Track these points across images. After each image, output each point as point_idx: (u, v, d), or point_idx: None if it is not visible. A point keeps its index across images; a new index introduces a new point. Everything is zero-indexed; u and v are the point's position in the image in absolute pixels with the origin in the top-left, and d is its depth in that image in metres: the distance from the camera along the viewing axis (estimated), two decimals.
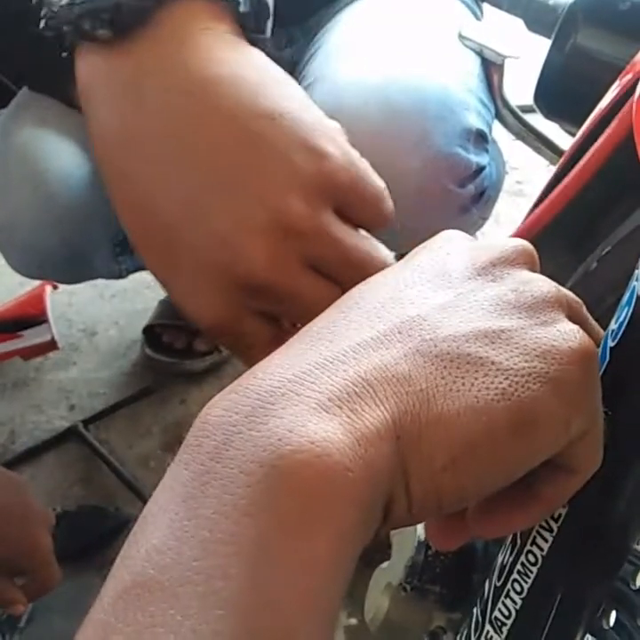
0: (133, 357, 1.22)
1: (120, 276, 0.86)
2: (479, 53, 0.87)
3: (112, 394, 1.16)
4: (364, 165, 0.37)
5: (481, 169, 0.80)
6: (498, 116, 0.92)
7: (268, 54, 0.39)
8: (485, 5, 1.02)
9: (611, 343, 0.32)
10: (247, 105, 0.35)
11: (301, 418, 0.24)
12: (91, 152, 0.75)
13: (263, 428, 0.24)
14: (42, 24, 0.38)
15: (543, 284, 0.29)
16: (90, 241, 0.79)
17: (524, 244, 0.31)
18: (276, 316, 0.37)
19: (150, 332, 1.20)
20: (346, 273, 0.36)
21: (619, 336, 0.32)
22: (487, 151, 0.81)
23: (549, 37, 0.75)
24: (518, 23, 0.88)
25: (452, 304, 0.27)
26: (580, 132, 0.55)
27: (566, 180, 0.51)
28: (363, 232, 0.38)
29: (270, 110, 0.35)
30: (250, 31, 0.38)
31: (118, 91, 0.36)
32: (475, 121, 0.79)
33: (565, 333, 0.27)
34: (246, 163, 0.34)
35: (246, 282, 0.35)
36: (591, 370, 0.28)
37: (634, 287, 0.32)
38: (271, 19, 0.40)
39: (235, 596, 0.22)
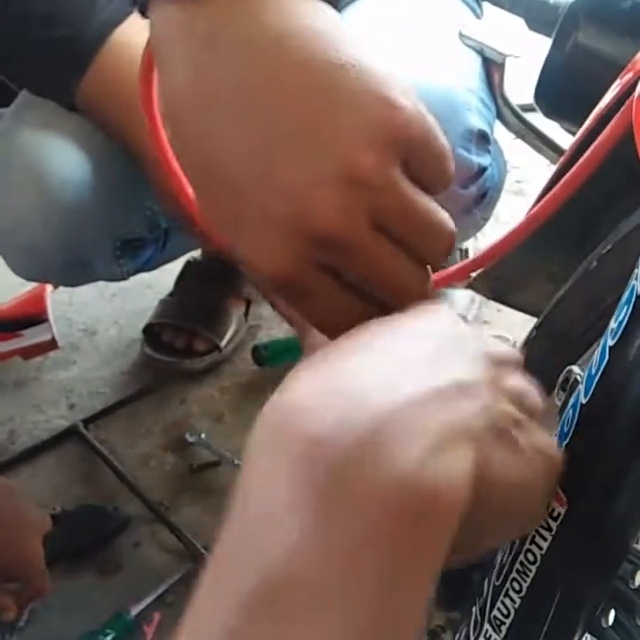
0: (133, 357, 1.22)
1: (122, 277, 0.86)
2: (480, 52, 0.87)
3: (112, 393, 1.16)
4: (434, 121, 0.37)
5: (483, 170, 0.80)
6: (499, 115, 0.92)
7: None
8: (486, 4, 1.02)
9: (610, 342, 0.32)
10: (320, 56, 0.34)
11: (427, 454, 0.26)
12: (92, 154, 0.76)
13: (390, 465, 0.26)
14: None
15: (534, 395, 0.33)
16: (91, 244, 0.79)
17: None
18: (338, 272, 0.37)
19: (150, 332, 1.20)
20: (409, 231, 0.36)
21: (618, 335, 0.32)
22: (489, 152, 0.81)
23: (550, 36, 0.74)
24: (519, 22, 0.89)
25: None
26: (580, 131, 0.55)
27: (566, 178, 0.51)
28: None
29: (343, 61, 0.34)
30: None
31: (192, 45, 0.35)
32: (477, 121, 0.79)
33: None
34: (317, 113, 0.34)
35: (313, 233, 0.34)
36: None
37: (633, 286, 0.32)
38: None
39: (366, 622, 0.25)
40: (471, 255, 1.23)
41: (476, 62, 0.85)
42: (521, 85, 0.84)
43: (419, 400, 0.28)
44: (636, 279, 0.32)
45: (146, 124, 0.49)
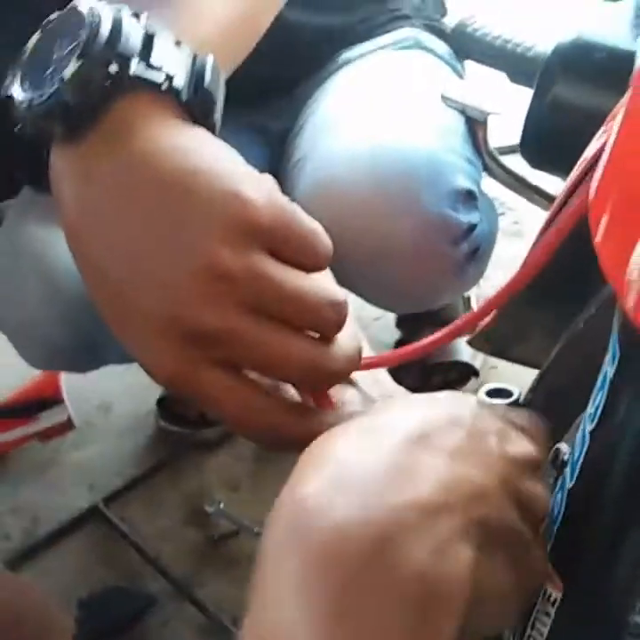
0: (149, 430, 1.23)
1: (132, 360, 0.87)
2: (462, 112, 0.89)
3: (130, 469, 1.17)
4: (292, 207, 0.38)
5: (473, 227, 0.81)
6: (486, 169, 0.94)
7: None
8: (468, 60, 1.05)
9: (589, 427, 0.33)
10: (177, 167, 0.38)
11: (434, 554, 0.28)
12: None
13: (403, 565, 0.27)
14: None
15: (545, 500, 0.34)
16: (101, 330, 0.80)
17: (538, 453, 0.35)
18: (236, 364, 0.38)
19: (163, 404, 1.21)
20: (286, 310, 0.37)
21: (596, 419, 0.33)
22: (477, 208, 0.83)
23: (533, 87, 0.76)
24: (502, 76, 0.91)
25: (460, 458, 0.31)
26: (567, 181, 0.56)
27: (547, 237, 0.52)
28: (321, 273, 0.39)
29: (196, 168, 0.38)
30: (195, 119, 0.41)
31: (75, 179, 0.40)
32: (462, 181, 0.80)
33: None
34: (176, 217, 0.37)
35: (189, 331, 0.36)
36: None
37: (606, 372, 0.32)
38: (219, 106, 0.42)
39: None
40: (474, 303, 1.24)
41: (459, 122, 0.87)
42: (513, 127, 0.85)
43: (426, 504, 0.28)
44: (608, 365, 0.32)
45: None
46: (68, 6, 0.41)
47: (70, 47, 0.39)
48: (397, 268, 0.80)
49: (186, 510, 1.10)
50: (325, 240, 0.39)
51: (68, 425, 1.17)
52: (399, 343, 1.23)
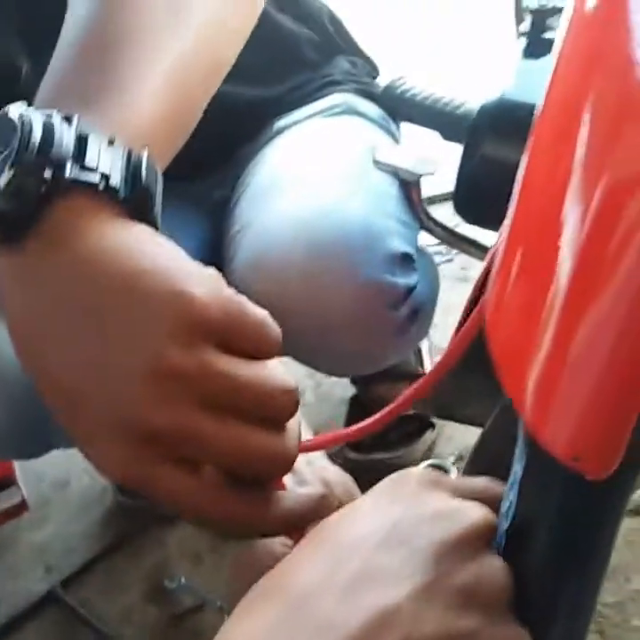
0: (106, 505, 1.20)
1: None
2: (395, 174, 0.90)
3: (88, 547, 1.15)
4: (238, 299, 0.39)
5: (411, 289, 0.82)
6: (423, 227, 0.95)
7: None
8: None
9: (505, 525, 0.33)
10: (125, 269, 0.38)
11: None
12: None
13: None
14: None
15: (501, 576, 0.31)
16: (46, 418, 0.79)
17: (488, 517, 0.33)
18: (194, 461, 0.38)
19: None
20: (240, 402, 0.37)
21: (509, 518, 0.33)
22: (415, 270, 0.83)
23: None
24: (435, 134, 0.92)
25: (427, 593, 0.29)
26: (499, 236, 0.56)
27: (473, 315, 0.52)
28: (272, 361, 0.39)
29: (139, 268, 0.38)
30: (135, 216, 0.41)
31: (18, 285, 0.40)
32: (398, 244, 0.81)
33: (514, 636, 0.31)
34: (125, 318, 0.37)
35: (142, 431, 0.36)
36: None
37: (515, 470, 0.32)
38: (157, 200, 0.42)
39: None
40: (425, 353, 1.25)
41: (393, 185, 0.88)
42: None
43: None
44: (518, 462, 0.32)
45: None
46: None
47: (2, 156, 0.39)
48: (339, 335, 0.80)
49: (147, 587, 1.08)
50: (274, 328, 0.39)
51: (22, 506, 1.15)
52: (354, 399, 1.23)
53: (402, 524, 0.31)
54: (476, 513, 0.33)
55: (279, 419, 0.38)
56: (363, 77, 1.02)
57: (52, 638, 1.04)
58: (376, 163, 0.90)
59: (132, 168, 0.41)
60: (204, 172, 0.98)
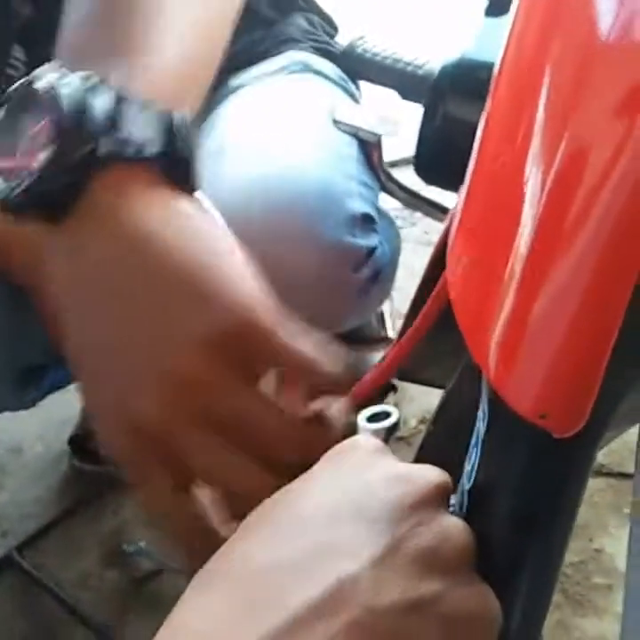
0: (63, 470, 1.19)
1: (30, 405, 0.84)
2: (355, 135, 0.89)
3: (45, 512, 1.13)
4: (273, 319, 0.40)
5: (372, 250, 0.81)
6: (384, 189, 0.94)
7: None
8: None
9: (467, 485, 0.33)
10: (164, 262, 0.38)
11: None
12: None
13: None
14: None
15: (461, 536, 0.31)
16: None
17: (442, 478, 0.32)
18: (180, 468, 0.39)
19: (76, 441, 1.18)
20: (240, 430, 0.38)
21: (472, 478, 0.32)
22: (376, 231, 0.83)
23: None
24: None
25: (385, 561, 0.28)
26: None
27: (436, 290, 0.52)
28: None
29: (182, 267, 0.38)
30: (175, 180, 0.41)
31: (59, 263, 0.40)
32: (358, 205, 0.80)
33: (479, 596, 0.30)
34: (153, 314, 0.38)
35: (143, 430, 0.37)
36: (495, 633, 0.31)
37: (478, 429, 0.32)
38: (196, 162, 0.42)
39: None
40: (387, 317, 1.25)
41: (352, 145, 0.87)
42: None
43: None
44: (480, 420, 0.32)
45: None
46: (27, 81, 0.40)
47: (36, 129, 0.39)
48: (299, 298, 0.78)
49: (105, 552, 1.08)
50: (317, 361, 0.40)
51: None
52: None
53: (352, 493, 0.30)
54: (429, 474, 0.32)
55: (272, 462, 0.39)
56: (321, 36, 1.00)
57: (9, 604, 1.02)
58: (335, 123, 0.89)
59: (168, 132, 0.40)
60: None
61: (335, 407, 0.41)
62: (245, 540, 0.30)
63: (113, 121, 0.39)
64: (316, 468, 0.33)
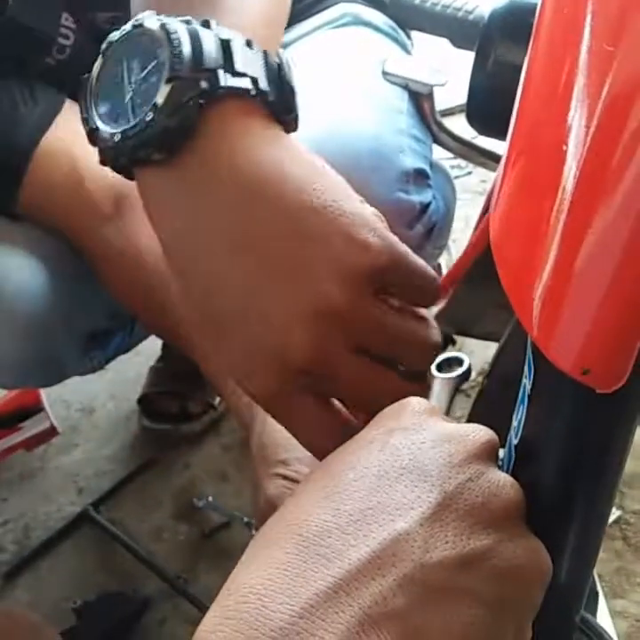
0: (133, 429, 1.23)
1: (96, 369, 0.87)
2: (405, 87, 0.88)
3: (117, 470, 1.18)
4: (403, 249, 0.40)
5: (426, 206, 0.80)
6: (437, 141, 0.93)
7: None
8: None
9: (514, 441, 0.33)
10: (293, 201, 0.38)
11: None
12: (44, 259, 0.78)
13: None
14: (98, 156, 0.41)
15: (510, 491, 0.31)
16: (58, 346, 0.80)
17: (490, 436, 0.33)
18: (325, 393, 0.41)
19: (145, 402, 1.21)
20: (393, 351, 0.40)
21: (519, 434, 0.33)
22: (430, 186, 0.82)
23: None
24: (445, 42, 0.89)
25: (436, 517, 0.29)
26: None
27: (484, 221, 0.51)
28: (427, 313, 0.41)
29: (314, 204, 0.38)
30: (281, 114, 0.41)
31: (179, 203, 0.40)
32: (411, 161, 0.79)
33: (530, 551, 0.30)
34: (291, 255, 0.38)
35: (292, 365, 0.38)
36: (544, 586, 0.31)
37: (524, 385, 0.32)
38: (298, 98, 0.42)
39: None
40: (444, 269, 1.24)
41: (403, 98, 0.85)
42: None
43: (320, 599, 0.27)
44: (526, 377, 0.32)
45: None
46: (130, 24, 0.40)
47: (148, 69, 0.39)
48: None
49: (176, 506, 1.11)
50: (433, 280, 0.41)
51: (51, 432, 1.17)
52: None
53: (402, 452, 0.31)
54: (477, 432, 0.32)
55: (418, 368, 0.41)
56: None
57: (86, 558, 1.07)
58: (386, 75, 0.87)
59: (273, 69, 0.41)
60: None
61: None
62: (300, 504, 0.31)
63: (227, 57, 0.39)
64: (365, 430, 0.34)
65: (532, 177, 0.30)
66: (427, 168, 0.81)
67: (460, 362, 0.52)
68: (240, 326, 0.39)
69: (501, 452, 0.37)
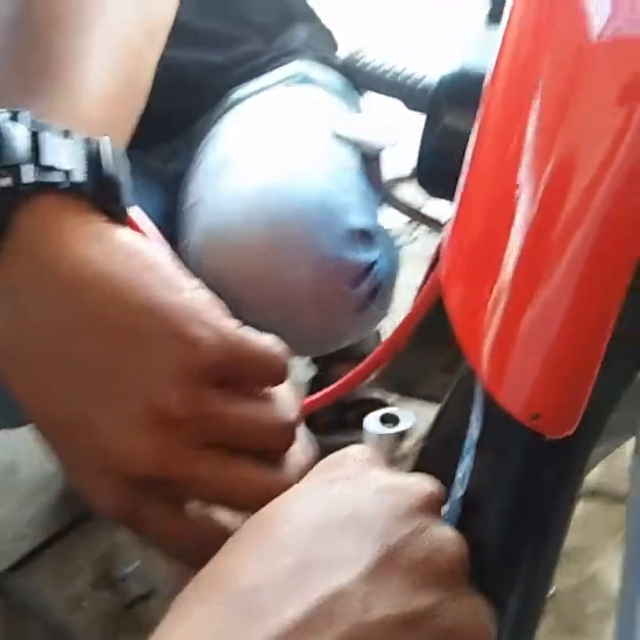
0: (56, 490, 1.17)
1: (23, 424, 0.83)
2: (356, 147, 0.88)
3: (37, 533, 1.11)
4: (241, 336, 0.37)
5: (372, 265, 0.80)
6: (385, 202, 0.92)
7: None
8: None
9: (459, 493, 0.32)
10: (117, 303, 0.35)
11: None
12: None
13: None
14: None
15: (455, 546, 0.29)
16: None
17: (434, 487, 0.31)
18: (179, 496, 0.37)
19: None
20: (243, 442, 0.36)
21: (465, 485, 0.31)
22: (376, 246, 0.81)
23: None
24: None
25: (377, 573, 0.27)
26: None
27: (431, 280, 0.51)
28: (278, 390, 0.39)
29: (139, 305, 0.35)
30: (106, 205, 0.38)
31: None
32: (358, 220, 0.79)
33: (474, 609, 0.29)
34: (121, 362, 0.35)
35: (134, 476, 0.35)
36: None
37: (470, 435, 0.31)
38: (126, 186, 0.39)
39: None
40: (386, 334, 1.23)
41: (353, 157, 0.85)
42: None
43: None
44: (473, 427, 0.31)
45: None
46: None
47: None
48: (298, 313, 0.78)
49: (97, 574, 1.05)
50: (279, 356, 0.38)
51: None
52: (314, 379, 1.21)
53: (343, 504, 0.29)
54: (421, 483, 0.31)
55: (275, 454, 0.37)
56: (322, 46, 0.99)
57: (2, 628, 1.00)
58: (336, 135, 0.87)
59: (93, 158, 0.38)
60: (158, 143, 0.95)
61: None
62: (231, 558, 0.29)
63: (35, 150, 0.36)
64: (304, 480, 0.32)
65: (482, 227, 0.30)
66: (373, 228, 0.81)
67: (399, 419, 0.51)
68: (71, 439, 0.36)
69: (445, 506, 0.35)
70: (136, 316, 0.35)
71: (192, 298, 0.37)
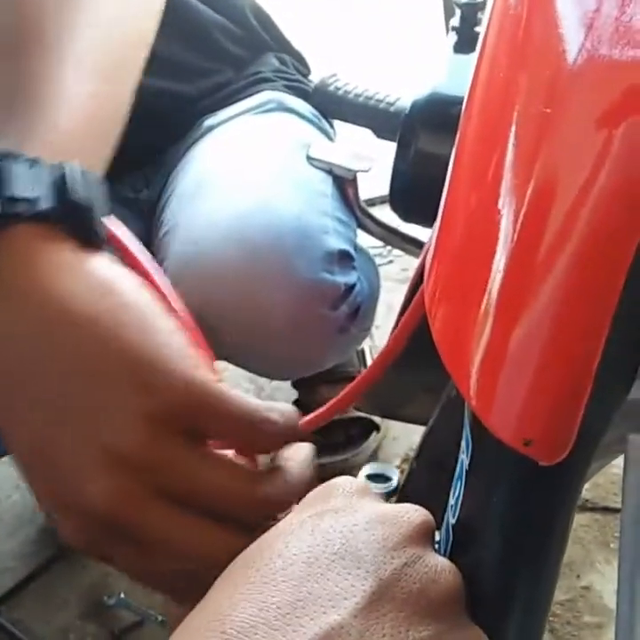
0: (40, 522, 1.16)
1: (4, 454, 0.82)
2: (330, 172, 0.89)
3: (22, 566, 1.10)
4: (211, 387, 0.36)
5: (351, 287, 0.80)
6: (361, 225, 0.93)
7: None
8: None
9: (451, 521, 0.32)
10: (87, 342, 0.35)
11: None
12: None
13: None
14: None
15: (449, 576, 0.29)
16: None
17: (425, 517, 0.31)
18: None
19: None
20: (197, 500, 0.36)
21: (457, 513, 0.31)
22: (354, 268, 0.82)
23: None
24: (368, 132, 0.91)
25: (371, 608, 0.27)
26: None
27: (416, 298, 0.51)
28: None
29: (108, 346, 0.35)
30: (78, 233, 0.38)
31: None
32: (335, 242, 0.79)
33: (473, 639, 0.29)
34: (87, 401, 0.35)
35: (95, 514, 0.35)
36: None
37: (461, 461, 0.31)
38: (99, 211, 0.39)
39: None
40: (368, 355, 1.24)
41: (327, 182, 0.86)
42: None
43: None
44: (463, 453, 0.31)
45: None
46: None
47: None
48: (278, 338, 0.78)
49: (84, 605, 1.04)
50: (269, 421, 0.37)
51: None
52: (297, 402, 1.21)
53: (333, 537, 0.29)
54: (411, 513, 0.30)
55: (239, 519, 0.37)
56: (294, 74, 1.00)
57: None
58: (310, 160, 0.88)
59: (62, 185, 0.37)
60: (132, 171, 0.95)
61: (300, 453, 0.39)
62: (223, 596, 0.28)
63: (0, 180, 0.36)
64: (292, 514, 0.31)
65: (464, 259, 0.30)
66: (351, 250, 0.82)
67: (387, 478, 0.51)
68: (40, 469, 0.37)
69: (437, 535, 0.35)
70: (105, 357, 0.35)
71: (165, 343, 0.36)
